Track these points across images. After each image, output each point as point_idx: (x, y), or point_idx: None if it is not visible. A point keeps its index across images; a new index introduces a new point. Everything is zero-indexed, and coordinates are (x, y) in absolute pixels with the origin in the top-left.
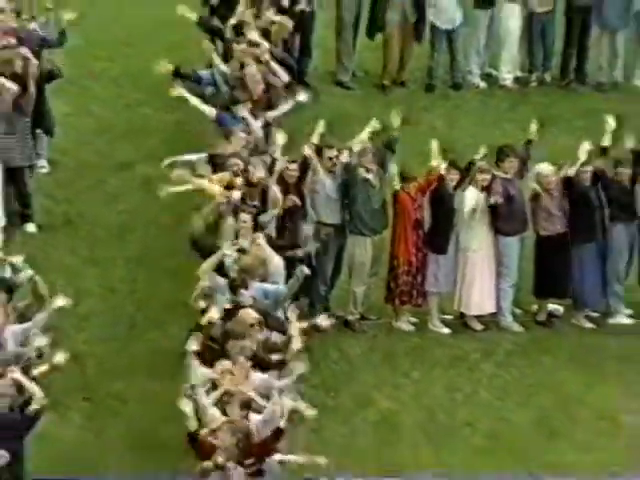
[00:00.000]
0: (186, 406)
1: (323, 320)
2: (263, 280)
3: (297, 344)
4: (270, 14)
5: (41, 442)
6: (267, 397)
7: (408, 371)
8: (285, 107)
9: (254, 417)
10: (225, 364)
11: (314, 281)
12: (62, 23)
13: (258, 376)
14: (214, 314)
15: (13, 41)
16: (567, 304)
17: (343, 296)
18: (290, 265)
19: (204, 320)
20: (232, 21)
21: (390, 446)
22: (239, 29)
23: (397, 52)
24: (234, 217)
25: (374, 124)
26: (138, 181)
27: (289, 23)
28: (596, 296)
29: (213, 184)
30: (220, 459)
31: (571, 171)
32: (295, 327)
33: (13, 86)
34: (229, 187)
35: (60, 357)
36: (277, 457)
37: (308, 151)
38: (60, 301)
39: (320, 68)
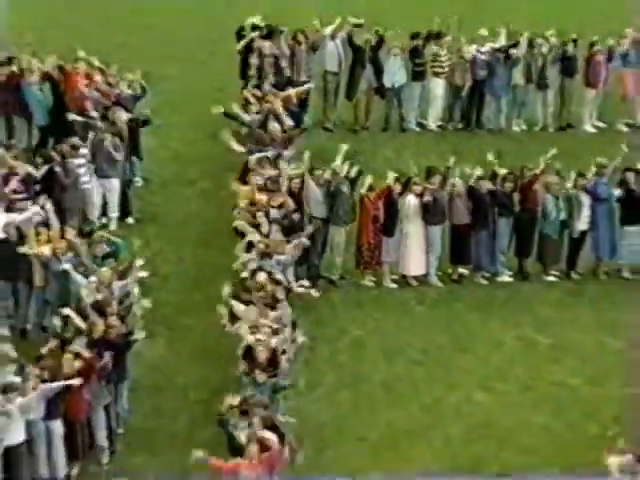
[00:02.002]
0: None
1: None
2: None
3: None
4: (288, 90)
5: (138, 357)
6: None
7: (371, 312)
8: (293, 150)
9: (274, 339)
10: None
11: (310, 255)
12: (142, 82)
13: (273, 313)
14: (244, 274)
15: (109, 102)
16: (470, 268)
17: (328, 264)
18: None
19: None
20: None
21: (360, 359)
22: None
23: (364, 108)
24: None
25: (344, 148)
26: (198, 192)
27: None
28: (488, 263)
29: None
30: (258, 373)
31: (474, 184)
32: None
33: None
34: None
35: (147, 302)
36: (285, 364)
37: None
38: (143, 271)
39: (312, 118)
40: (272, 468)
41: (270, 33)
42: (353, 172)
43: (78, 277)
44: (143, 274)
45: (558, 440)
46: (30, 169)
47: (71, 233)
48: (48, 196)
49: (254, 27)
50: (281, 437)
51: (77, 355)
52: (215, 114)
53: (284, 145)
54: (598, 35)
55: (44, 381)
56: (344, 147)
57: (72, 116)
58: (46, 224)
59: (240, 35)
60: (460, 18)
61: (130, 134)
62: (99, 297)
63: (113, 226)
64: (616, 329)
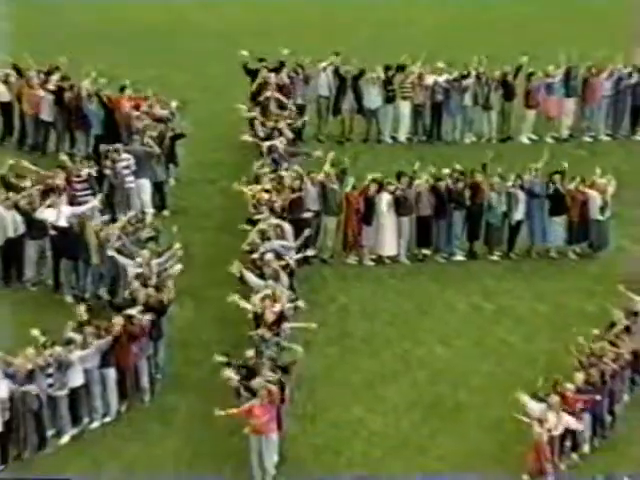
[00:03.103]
0: (244, 302)
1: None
2: (281, 238)
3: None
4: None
5: (171, 320)
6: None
7: (353, 284)
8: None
9: (277, 305)
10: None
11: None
12: (174, 109)
13: (277, 284)
14: (255, 255)
15: (151, 121)
16: (432, 250)
17: (322, 246)
18: (296, 229)
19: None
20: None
21: (345, 320)
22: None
23: (348, 124)
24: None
25: (331, 156)
26: (218, 190)
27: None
28: (446, 245)
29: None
30: (263, 331)
31: (435, 183)
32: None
33: (156, 149)
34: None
35: (178, 268)
36: (287, 325)
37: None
38: (179, 250)
39: (308, 132)
40: (277, 408)
41: (276, 68)
42: (338, 169)
43: (123, 259)
44: (179, 252)
45: (500, 383)
46: (88, 171)
47: (120, 222)
48: (106, 197)
49: (260, 60)
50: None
51: (127, 317)
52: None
53: (290, 156)
54: (541, 66)
55: (99, 338)
56: (331, 155)
57: (139, 143)
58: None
59: (247, 68)
60: (426, 54)
61: (168, 146)
62: (141, 272)
63: (149, 217)
64: (545, 297)
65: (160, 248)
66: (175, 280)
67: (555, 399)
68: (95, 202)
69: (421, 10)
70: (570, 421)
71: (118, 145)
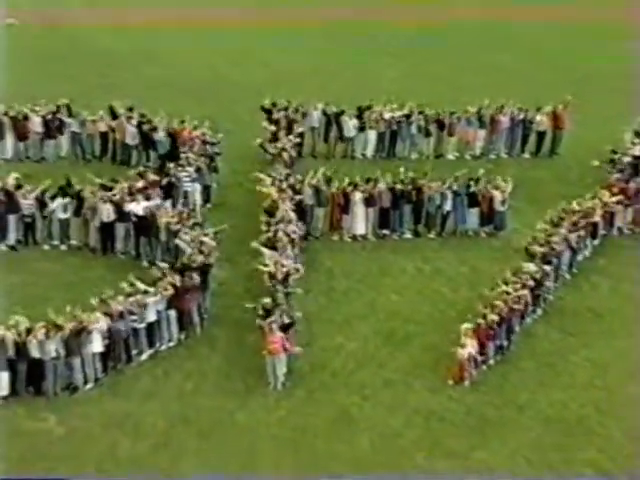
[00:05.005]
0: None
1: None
2: (287, 222)
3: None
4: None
5: (213, 277)
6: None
7: (336, 255)
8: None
9: (285, 267)
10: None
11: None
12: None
13: (286, 254)
14: (271, 234)
15: (201, 145)
16: (390, 231)
17: (314, 228)
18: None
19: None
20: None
21: (330, 279)
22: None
23: (332, 146)
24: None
25: (322, 170)
26: (245, 190)
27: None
28: (399, 227)
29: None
30: (278, 285)
31: (392, 185)
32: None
33: (202, 165)
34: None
35: (211, 242)
36: (291, 280)
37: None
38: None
39: (305, 152)
40: (285, 339)
41: (285, 107)
42: (326, 176)
43: (180, 239)
44: (225, 227)
45: (435, 320)
46: (155, 177)
47: (179, 212)
48: (164, 194)
49: (274, 104)
50: (289, 327)
51: (183, 276)
52: (255, 144)
53: (290, 165)
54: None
55: (165, 289)
56: (321, 169)
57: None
58: (164, 208)
59: (264, 109)
60: (386, 98)
61: (213, 160)
62: (192, 246)
63: (198, 209)
64: (465, 262)
65: (208, 229)
66: (216, 251)
67: (471, 330)
68: (158, 200)
69: (383, 66)
70: (474, 346)
71: (181, 161)
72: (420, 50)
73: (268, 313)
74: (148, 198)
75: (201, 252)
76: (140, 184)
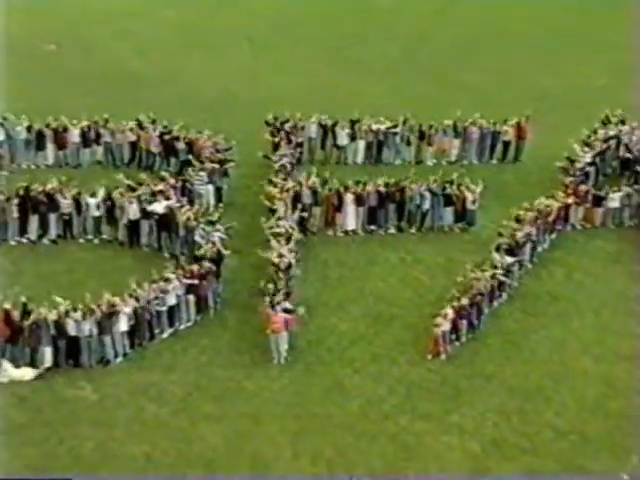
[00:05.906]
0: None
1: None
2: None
3: None
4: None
5: (225, 267)
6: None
7: (330, 247)
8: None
9: (287, 258)
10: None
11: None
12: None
13: (287, 245)
14: (275, 229)
15: (215, 152)
16: (376, 226)
17: (312, 224)
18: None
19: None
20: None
21: (325, 267)
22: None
23: (328, 154)
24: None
25: (315, 171)
26: (252, 192)
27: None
28: (384, 223)
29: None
30: (281, 273)
31: (378, 187)
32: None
33: (214, 169)
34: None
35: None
36: (293, 270)
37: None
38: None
39: (304, 159)
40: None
41: (286, 120)
42: (322, 179)
43: (197, 234)
44: (234, 223)
45: (415, 303)
46: (173, 181)
47: (195, 211)
48: (182, 195)
49: (276, 118)
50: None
51: (200, 265)
52: (259, 157)
53: (291, 170)
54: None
55: (185, 277)
56: (314, 171)
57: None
58: (182, 207)
59: (267, 122)
60: (373, 111)
61: (223, 165)
62: (207, 239)
63: (212, 208)
64: (441, 253)
65: (220, 225)
66: (227, 243)
67: (448, 311)
68: (175, 200)
69: (369, 84)
70: (446, 324)
71: (197, 166)
72: (402, 70)
73: (271, 297)
74: (168, 198)
75: (214, 245)
76: (160, 186)
